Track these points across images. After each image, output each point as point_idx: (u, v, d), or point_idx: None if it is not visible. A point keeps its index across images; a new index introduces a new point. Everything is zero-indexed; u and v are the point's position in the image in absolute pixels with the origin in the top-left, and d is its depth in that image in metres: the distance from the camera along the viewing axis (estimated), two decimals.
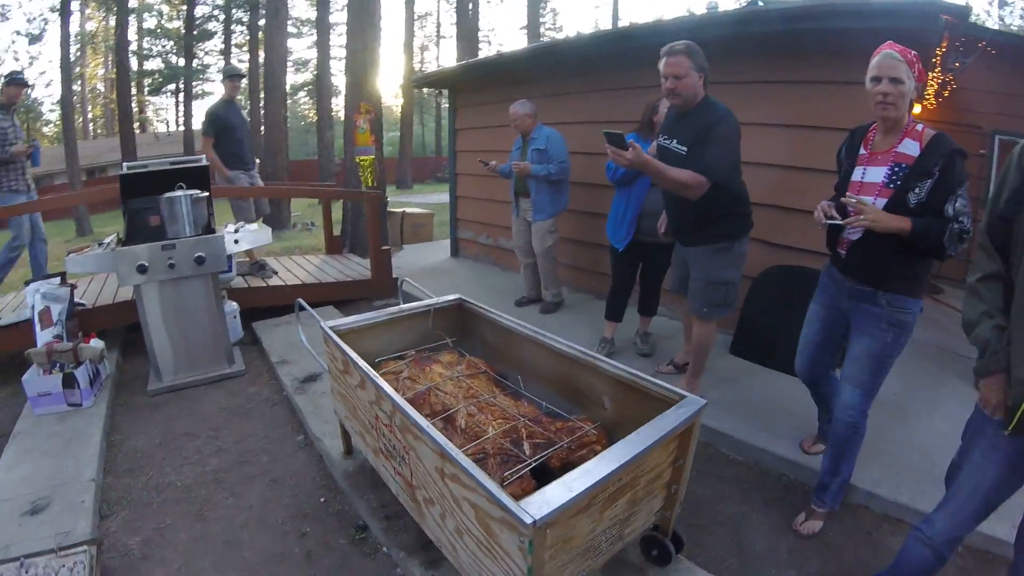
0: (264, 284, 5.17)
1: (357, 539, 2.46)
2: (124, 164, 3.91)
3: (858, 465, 2.40)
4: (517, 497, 1.72)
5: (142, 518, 2.62)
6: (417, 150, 29.20)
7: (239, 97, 5.34)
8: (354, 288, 5.47)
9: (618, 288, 3.92)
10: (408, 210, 9.01)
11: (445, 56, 34.52)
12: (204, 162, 4.15)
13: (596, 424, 2.09)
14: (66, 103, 14.55)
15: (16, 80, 4.94)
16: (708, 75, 2.73)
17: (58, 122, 17.71)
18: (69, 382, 3.31)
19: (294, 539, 2.49)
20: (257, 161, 5.53)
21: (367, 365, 2.21)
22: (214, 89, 26.42)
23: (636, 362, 3.84)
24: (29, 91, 5.00)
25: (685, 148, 2.72)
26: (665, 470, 1.82)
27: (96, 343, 3.64)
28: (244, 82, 5.31)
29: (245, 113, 5.33)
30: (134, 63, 17.82)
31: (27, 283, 3.83)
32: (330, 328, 2.56)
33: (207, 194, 3.84)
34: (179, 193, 3.65)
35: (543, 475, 1.90)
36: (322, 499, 2.75)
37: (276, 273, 5.49)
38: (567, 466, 1.92)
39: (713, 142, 2.62)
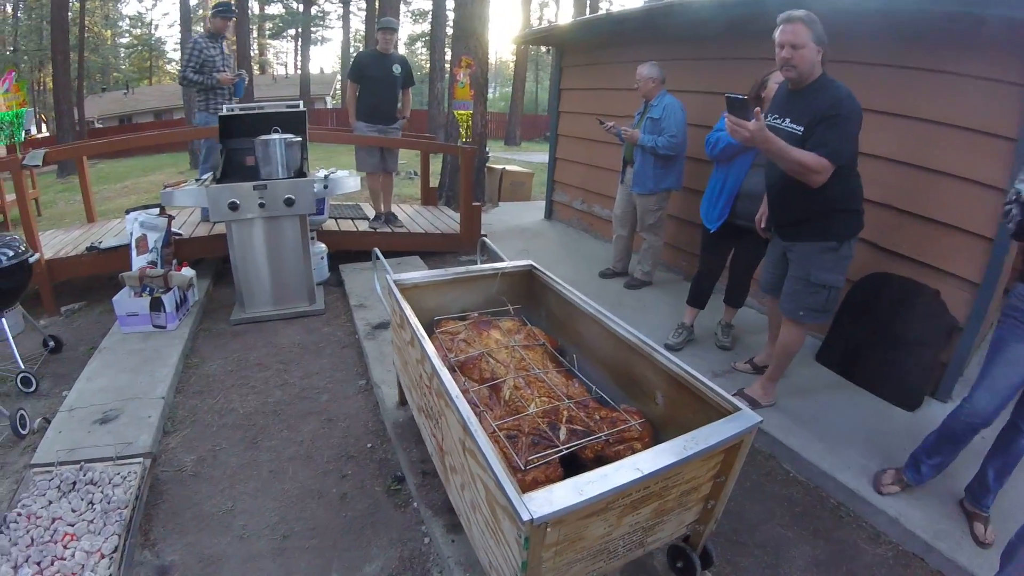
0: (354, 228, 5.30)
1: (392, 489, 2.50)
2: (224, 106, 4.08)
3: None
4: (538, 483, 1.67)
5: (201, 438, 2.79)
6: (529, 107, 28.94)
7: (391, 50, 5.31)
8: (441, 241, 5.50)
9: (705, 272, 3.66)
10: (508, 167, 8.94)
11: (565, 13, 33.68)
12: (301, 107, 4.24)
13: (643, 420, 1.94)
14: (184, 44, 15.50)
15: (222, 12, 5.14)
16: (827, 51, 2.40)
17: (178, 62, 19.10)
18: (156, 305, 3.56)
19: (334, 479, 2.56)
20: (403, 118, 5.54)
21: (417, 323, 2.17)
22: (332, 36, 27.51)
23: (713, 354, 3.61)
24: (231, 23, 5.13)
25: (801, 128, 2.40)
26: (704, 484, 1.66)
27: (187, 271, 3.88)
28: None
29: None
30: (255, 7, 18.65)
31: (128, 211, 4.11)
32: (394, 281, 2.55)
33: (300, 139, 3.93)
34: (273, 136, 3.76)
35: (574, 464, 1.82)
36: (369, 445, 2.81)
37: (404, 227, 5.54)
38: (600, 459, 1.82)
39: (838, 123, 2.31)
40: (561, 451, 1.73)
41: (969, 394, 2.14)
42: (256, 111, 4.09)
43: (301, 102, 4.47)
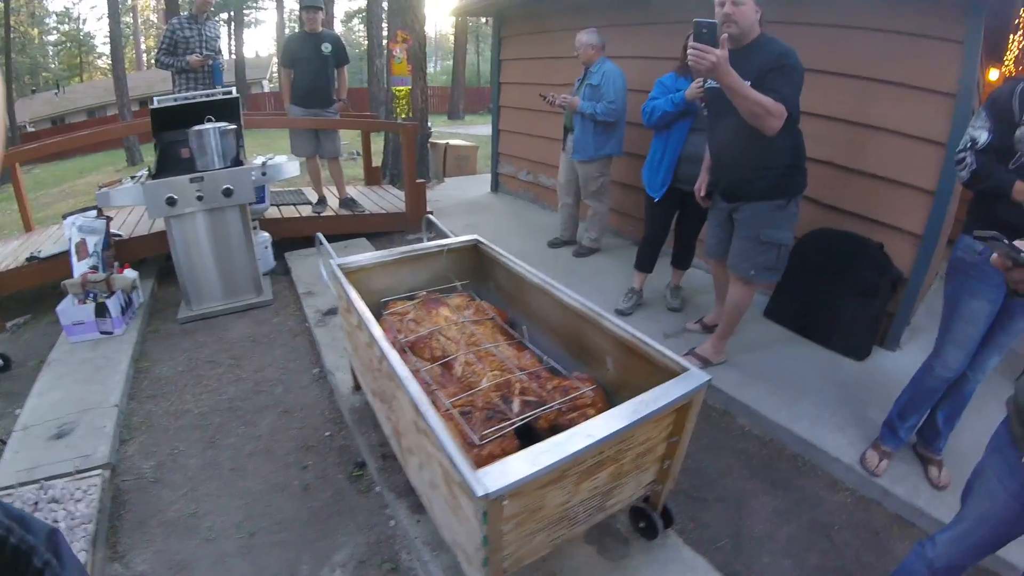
0: (297, 215, 5.17)
1: (354, 476, 2.49)
2: (155, 98, 3.89)
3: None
4: (495, 457, 1.67)
5: (158, 443, 2.71)
6: (472, 80, 28.51)
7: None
8: (386, 221, 5.41)
9: (651, 238, 3.71)
10: (452, 142, 8.81)
11: None
12: (234, 94, 4.08)
13: (595, 387, 1.96)
14: (114, 35, 14.72)
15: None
16: (764, 12, 2.43)
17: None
18: (102, 311, 3.42)
19: (295, 471, 2.53)
20: (340, 100, 5.34)
21: (364, 307, 2.14)
22: (266, 17, 26.61)
23: (664, 316, 3.68)
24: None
25: (748, 83, 2.32)
26: (658, 444, 1.70)
27: (129, 273, 3.73)
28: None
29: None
30: None
31: (65, 216, 3.92)
32: (337, 265, 2.50)
33: (235, 127, 3.79)
34: (208, 126, 3.61)
35: (529, 435, 1.83)
36: (327, 433, 2.78)
37: (365, 210, 5.41)
38: (555, 428, 1.83)
39: (787, 71, 2.34)
40: (515, 423, 1.74)
41: (936, 351, 2.20)
42: (187, 100, 3.91)
43: (234, 88, 4.30)
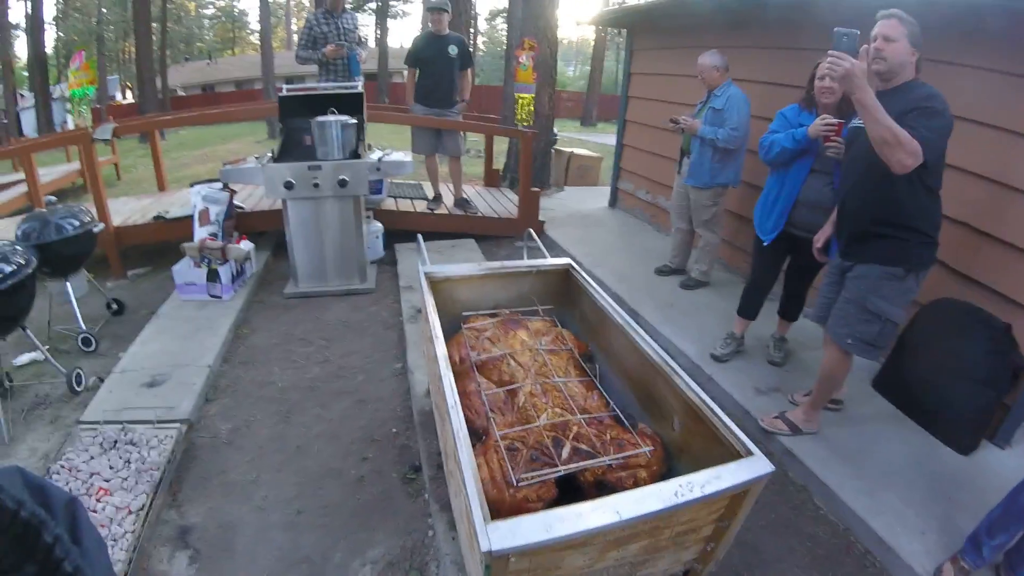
0: (412, 209, 5.35)
1: (407, 478, 2.54)
2: (283, 86, 4.17)
3: None
4: (529, 501, 1.64)
5: (239, 408, 2.92)
6: (609, 87, 28.10)
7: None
8: (497, 225, 5.47)
9: (757, 283, 3.43)
10: (577, 151, 8.76)
11: None
12: (359, 90, 4.28)
13: (654, 447, 1.86)
14: (264, 15, 15.90)
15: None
16: (921, 60, 2.23)
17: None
18: (213, 276, 3.75)
19: (354, 461, 2.63)
20: (462, 101, 5.44)
21: (436, 321, 2.17)
22: (412, 10, 27.53)
23: (761, 369, 3.42)
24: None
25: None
26: (704, 526, 1.57)
27: (245, 245, 4.04)
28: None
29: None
30: None
31: (192, 185, 4.30)
32: (425, 273, 2.55)
33: (355, 121, 3.97)
34: (330, 118, 3.82)
35: (572, 484, 1.77)
36: (393, 430, 2.86)
37: (478, 211, 5.53)
38: (600, 484, 1.77)
39: (932, 114, 2.11)
40: (558, 472, 1.69)
41: None
42: (314, 91, 4.16)
43: (360, 83, 4.50)
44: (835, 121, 2.70)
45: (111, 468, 2.35)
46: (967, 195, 2.93)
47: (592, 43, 26.56)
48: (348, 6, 5.26)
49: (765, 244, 3.26)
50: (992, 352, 2.72)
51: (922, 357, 2.98)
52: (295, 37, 36.73)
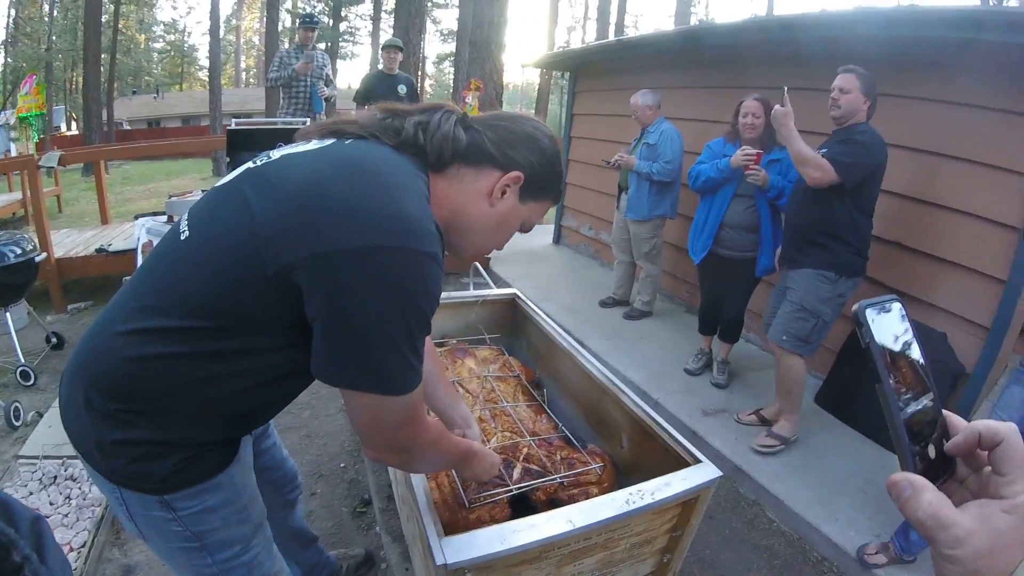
0: None
1: (358, 512, 2.49)
2: (232, 120, 4.15)
3: None
4: (482, 522, 1.61)
5: None
6: (553, 128, 28.99)
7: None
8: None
9: (706, 302, 3.74)
10: None
11: (590, 38, 33.99)
12: (307, 125, 4.29)
13: (603, 464, 1.87)
14: (214, 52, 15.90)
15: (305, 23, 5.30)
16: (874, 106, 2.64)
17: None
18: None
19: (303, 496, 2.52)
20: None
21: None
22: (361, 52, 27.92)
23: (709, 392, 3.51)
24: (314, 33, 5.15)
25: (826, 149, 2.64)
26: (658, 537, 1.58)
27: None
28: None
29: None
30: (288, 20, 19.20)
31: (136, 217, 4.19)
32: None
33: None
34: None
35: (525, 504, 1.75)
36: (342, 464, 2.80)
37: None
38: (553, 502, 1.75)
39: (854, 144, 2.55)
40: (510, 492, 1.67)
41: None
42: (261, 126, 4.14)
43: (308, 120, 4.51)
44: (754, 152, 3.04)
45: (51, 504, 2.27)
46: (897, 215, 3.18)
47: (536, 87, 27.42)
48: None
49: (697, 263, 3.55)
50: (931, 360, 2.86)
51: (860, 369, 3.11)
52: (243, 75, 36.53)
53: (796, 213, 2.84)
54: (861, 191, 2.59)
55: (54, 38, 23.48)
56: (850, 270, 2.68)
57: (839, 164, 2.50)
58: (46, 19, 24.12)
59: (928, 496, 0.45)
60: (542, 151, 1.13)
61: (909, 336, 0.51)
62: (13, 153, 6.34)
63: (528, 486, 1.71)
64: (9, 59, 23.01)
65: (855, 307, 0.49)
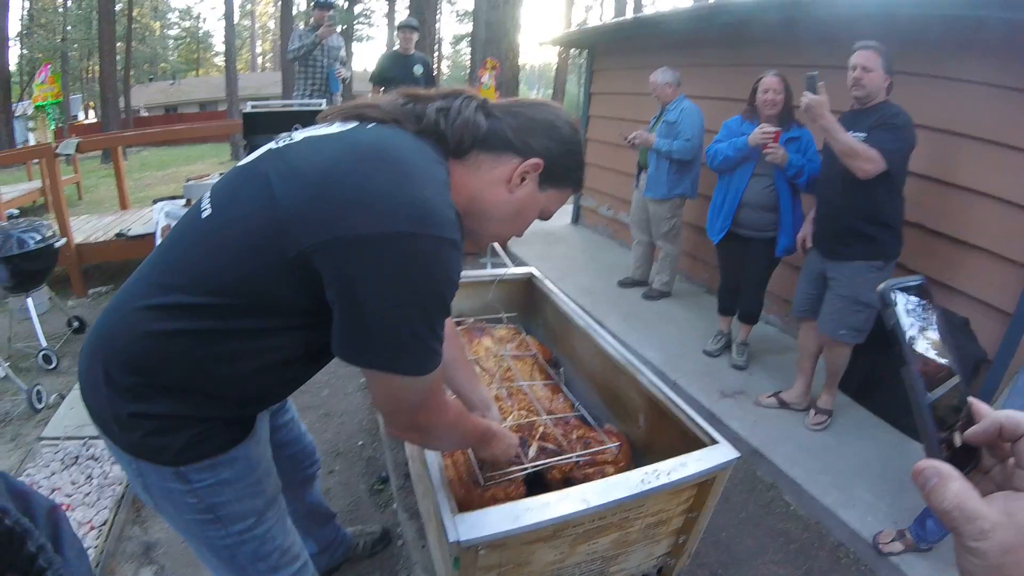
0: None
1: (375, 489, 2.51)
2: (248, 103, 4.14)
3: None
4: (497, 500, 1.60)
5: None
6: (571, 109, 28.68)
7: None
8: None
9: (725, 282, 3.69)
10: None
11: (608, 16, 33.39)
12: (323, 107, 4.28)
13: (620, 444, 1.86)
14: (229, 37, 15.90)
15: (320, 3, 5.27)
16: (893, 81, 2.55)
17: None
18: None
19: (321, 473, 2.55)
20: None
21: None
22: (376, 34, 27.79)
23: (728, 374, 3.48)
24: (333, 12, 5.20)
25: (863, 135, 2.50)
26: (673, 518, 1.57)
27: None
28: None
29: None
30: (303, 3, 19.14)
31: (155, 201, 4.22)
32: None
33: None
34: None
35: (540, 483, 1.75)
36: (360, 443, 2.82)
37: None
38: (568, 481, 1.74)
39: (895, 129, 2.46)
40: (525, 470, 1.66)
41: None
42: (278, 109, 4.14)
43: (324, 101, 4.50)
44: (772, 130, 2.97)
45: (73, 484, 2.31)
46: (919, 198, 3.05)
47: (554, 67, 27.12)
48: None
49: (716, 244, 3.51)
50: (955, 345, 2.81)
51: (884, 354, 3.05)
52: (259, 60, 36.53)
53: (834, 202, 2.73)
54: (899, 172, 2.54)
55: (69, 28, 23.56)
56: (894, 253, 2.66)
57: (887, 153, 2.41)
58: (60, 10, 24.26)
59: (955, 486, 0.43)
60: (562, 138, 1.12)
61: (935, 318, 0.48)
62: (32, 143, 6.44)
63: (543, 464, 1.71)
64: (25, 50, 23.22)
65: (880, 287, 0.47)
